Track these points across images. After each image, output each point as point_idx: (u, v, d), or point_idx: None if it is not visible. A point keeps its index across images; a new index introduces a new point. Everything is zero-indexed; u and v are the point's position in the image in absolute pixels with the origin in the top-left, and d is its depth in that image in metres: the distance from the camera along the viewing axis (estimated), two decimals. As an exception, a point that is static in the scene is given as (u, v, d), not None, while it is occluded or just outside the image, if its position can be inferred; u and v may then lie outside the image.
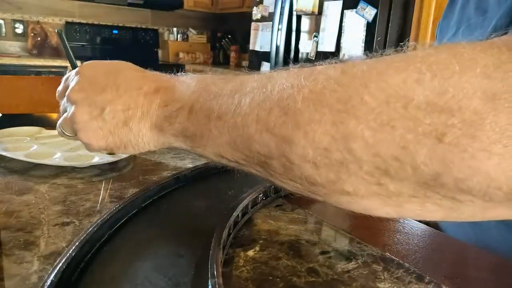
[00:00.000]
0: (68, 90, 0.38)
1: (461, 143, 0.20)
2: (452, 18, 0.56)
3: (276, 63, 2.28)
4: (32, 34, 3.13)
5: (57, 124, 0.41)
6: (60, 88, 0.42)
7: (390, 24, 1.79)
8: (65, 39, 0.55)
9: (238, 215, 0.37)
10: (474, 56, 0.21)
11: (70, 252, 0.28)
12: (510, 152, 0.20)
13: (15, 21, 3.11)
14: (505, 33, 0.23)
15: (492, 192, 0.21)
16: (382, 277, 0.31)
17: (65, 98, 0.39)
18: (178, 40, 3.79)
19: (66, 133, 0.40)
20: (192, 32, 3.87)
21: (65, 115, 0.39)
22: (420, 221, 0.41)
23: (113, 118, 0.36)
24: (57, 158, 0.54)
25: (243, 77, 0.31)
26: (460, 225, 0.49)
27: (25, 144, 0.60)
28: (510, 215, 0.23)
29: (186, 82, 0.35)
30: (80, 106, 0.37)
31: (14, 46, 3.12)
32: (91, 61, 0.41)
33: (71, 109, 0.38)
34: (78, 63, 0.53)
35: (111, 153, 0.42)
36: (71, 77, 0.40)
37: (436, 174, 0.21)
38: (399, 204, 0.25)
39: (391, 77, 0.22)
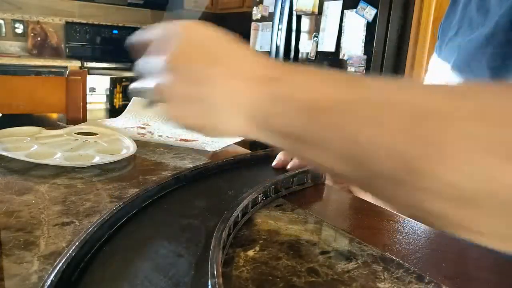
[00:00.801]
0: (167, 48, 0.32)
1: None
2: (454, 17, 0.56)
3: (276, 63, 2.28)
4: (32, 34, 3.13)
5: (135, 85, 0.36)
6: (149, 34, 0.36)
7: (390, 24, 1.79)
8: None
9: (238, 215, 0.37)
10: None
11: (70, 252, 0.28)
12: None
13: (15, 21, 3.11)
14: None
15: None
16: (382, 277, 0.31)
17: (159, 58, 0.33)
18: (178, 40, 3.78)
19: (145, 96, 0.36)
20: (192, 32, 3.87)
21: (153, 75, 0.34)
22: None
23: (213, 99, 0.32)
24: (57, 158, 0.54)
25: (364, 82, 0.29)
26: None
27: (25, 144, 0.60)
28: None
29: (301, 78, 0.31)
30: (180, 76, 0.32)
31: (14, 46, 3.12)
32: (195, 23, 0.34)
33: (166, 74, 0.32)
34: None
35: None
36: (170, 32, 0.34)
37: None
38: None
39: None
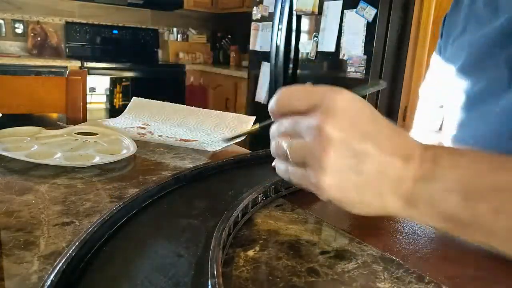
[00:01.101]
0: (321, 119, 0.31)
1: None
2: (459, 14, 0.56)
3: (276, 63, 2.28)
4: (32, 34, 3.13)
5: (278, 131, 0.35)
6: (294, 95, 0.34)
7: (390, 24, 1.79)
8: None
9: (238, 215, 0.37)
10: None
11: (70, 252, 0.28)
12: None
13: (15, 21, 3.11)
14: None
15: None
16: (382, 277, 0.31)
17: (311, 121, 0.32)
18: (178, 40, 3.79)
19: (291, 165, 0.34)
20: (192, 32, 3.87)
21: (304, 142, 0.32)
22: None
23: (365, 174, 0.31)
24: (57, 158, 0.54)
25: (502, 166, 0.30)
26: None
27: (25, 144, 0.60)
28: None
29: (447, 158, 0.32)
30: (337, 147, 0.31)
31: (14, 46, 3.12)
32: (348, 94, 0.32)
33: (322, 143, 0.31)
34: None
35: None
36: (323, 97, 0.32)
37: None
38: None
39: None
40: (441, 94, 0.63)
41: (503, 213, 0.29)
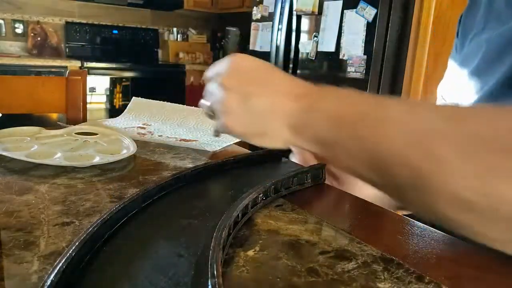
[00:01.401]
0: (221, 76, 0.42)
1: None
2: (477, 13, 0.55)
3: (276, 63, 2.28)
4: (32, 34, 3.13)
5: (201, 103, 0.47)
6: (209, 72, 0.46)
7: (390, 24, 1.79)
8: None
9: (238, 215, 0.37)
10: None
11: (70, 252, 0.28)
12: None
13: (15, 21, 3.11)
14: None
15: None
16: (382, 277, 0.31)
17: (215, 83, 0.43)
18: (178, 40, 3.79)
19: (209, 113, 0.47)
20: (192, 32, 3.87)
21: (213, 97, 0.44)
22: (419, 220, 0.41)
23: (257, 110, 0.40)
24: (58, 158, 0.54)
25: (383, 101, 0.35)
26: None
27: (25, 144, 0.60)
28: None
29: (332, 94, 0.38)
30: (231, 93, 0.41)
31: (14, 46, 3.12)
32: (241, 54, 0.45)
33: (221, 93, 0.42)
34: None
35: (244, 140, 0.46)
36: (223, 64, 0.44)
37: None
38: None
39: None
40: (457, 93, 0.63)
41: (361, 138, 0.33)
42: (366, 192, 0.50)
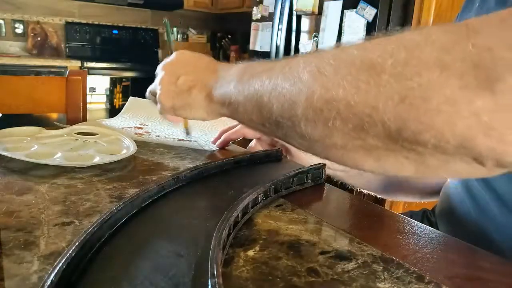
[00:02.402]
0: (162, 65, 0.53)
1: (416, 103, 0.25)
2: (472, 11, 0.56)
3: (276, 63, 2.28)
4: (32, 34, 3.13)
5: (148, 89, 0.57)
6: (160, 64, 0.55)
7: (390, 24, 1.79)
8: (169, 27, 0.74)
9: (238, 215, 0.37)
10: (439, 34, 0.26)
11: (70, 252, 0.28)
12: (455, 110, 0.24)
13: (15, 21, 3.11)
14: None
15: (443, 145, 0.25)
16: (382, 277, 0.31)
17: (157, 70, 0.54)
18: (178, 40, 3.78)
19: (151, 95, 0.56)
20: (192, 32, 3.87)
21: (154, 81, 0.54)
22: (421, 222, 0.41)
23: (182, 85, 0.48)
24: (57, 158, 0.54)
25: (272, 61, 0.39)
26: (463, 205, 0.49)
27: (25, 144, 0.60)
28: (469, 170, 0.27)
29: (239, 65, 0.44)
30: (165, 74, 0.51)
31: (14, 46, 3.12)
32: (185, 50, 0.55)
33: (158, 77, 0.52)
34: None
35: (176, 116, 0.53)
36: (167, 58, 0.54)
37: (399, 128, 0.26)
38: (378, 157, 0.29)
39: (372, 52, 0.28)
40: None
41: (253, 88, 0.37)
42: (310, 160, 0.58)
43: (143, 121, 0.83)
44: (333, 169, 0.65)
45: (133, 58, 3.44)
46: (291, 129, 0.33)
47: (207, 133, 0.76)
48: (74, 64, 2.89)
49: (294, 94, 0.32)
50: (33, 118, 2.18)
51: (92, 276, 0.29)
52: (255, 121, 0.38)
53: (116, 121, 0.83)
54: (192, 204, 0.43)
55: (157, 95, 0.51)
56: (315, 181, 0.51)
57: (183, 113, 0.50)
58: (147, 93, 0.57)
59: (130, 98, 0.90)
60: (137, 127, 0.79)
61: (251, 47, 2.64)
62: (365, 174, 0.66)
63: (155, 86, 0.52)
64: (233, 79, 0.42)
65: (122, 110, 0.88)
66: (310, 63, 0.32)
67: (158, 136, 0.73)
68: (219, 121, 0.80)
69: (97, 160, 0.55)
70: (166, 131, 0.77)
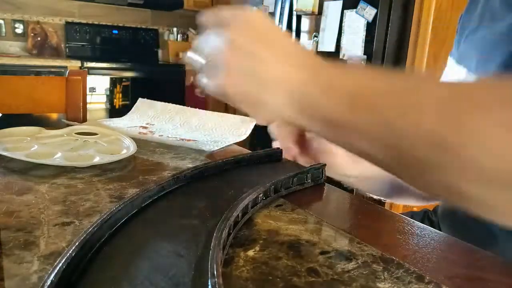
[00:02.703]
0: (228, 26, 0.37)
1: None
2: (476, 10, 0.55)
3: (276, 63, 2.28)
4: (32, 34, 3.13)
5: (189, 53, 0.41)
6: (210, 15, 0.40)
7: (390, 24, 1.79)
8: None
9: (238, 215, 0.37)
10: None
11: (70, 252, 0.28)
12: None
13: (15, 21, 3.11)
14: None
15: None
16: (382, 277, 0.31)
17: (217, 31, 0.37)
18: (178, 40, 3.79)
19: (198, 59, 0.39)
20: (192, 32, 3.87)
21: (211, 47, 0.37)
22: (422, 222, 0.41)
23: (259, 73, 0.36)
24: (57, 158, 0.54)
25: (398, 74, 0.33)
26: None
27: (25, 144, 0.60)
28: None
29: (345, 70, 0.36)
30: (236, 47, 0.36)
31: (14, 46, 3.12)
32: (255, 11, 0.39)
33: (223, 46, 0.36)
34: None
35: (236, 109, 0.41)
36: (231, 13, 0.38)
37: None
38: None
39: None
40: None
41: (381, 114, 0.30)
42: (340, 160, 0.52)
43: (150, 121, 0.83)
44: (347, 175, 0.60)
45: (133, 58, 3.44)
46: (435, 177, 0.28)
47: (209, 134, 0.76)
48: (74, 64, 2.89)
49: (459, 149, 0.25)
50: (33, 118, 2.18)
51: (92, 276, 0.29)
52: (376, 155, 0.32)
53: (123, 121, 0.83)
54: (192, 204, 0.43)
55: (216, 74, 0.37)
56: (315, 181, 0.51)
57: (248, 109, 0.38)
58: (187, 57, 0.41)
59: (139, 99, 0.91)
60: (142, 126, 0.80)
61: (251, 47, 2.64)
62: (372, 179, 0.62)
63: (213, 57, 0.37)
64: (342, 93, 0.33)
65: (131, 110, 0.88)
66: (477, 102, 0.26)
67: (161, 136, 0.73)
68: (224, 122, 0.80)
69: (97, 160, 0.55)
70: (170, 131, 0.77)
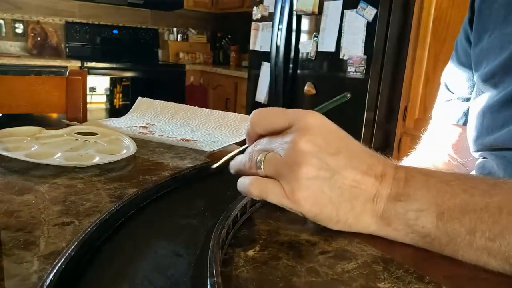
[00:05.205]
0: (296, 135, 0.33)
1: None
2: (495, 1, 0.53)
3: (276, 63, 2.28)
4: (32, 34, 3.13)
5: (254, 162, 0.35)
6: (274, 120, 0.35)
7: (390, 24, 1.79)
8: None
9: (236, 214, 0.37)
10: None
11: (69, 252, 0.28)
12: None
13: (15, 21, 3.11)
14: None
15: None
16: (382, 277, 0.31)
17: (284, 140, 0.34)
18: (178, 40, 3.79)
19: (261, 174, 0.35)
20: (192, 32, 3.87)
21: (278, 156, 0.34)
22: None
23: (339, 188, 0.33)
24: (57, 158, 0.54)
25: (485, 189, 0.32)
26: None
27: (25, 144, 0.60)
28: None
29: (419, 178, 0.34)
30: (311, 161, 0.32)
31: (14, 46, 3.12)
32: (319, 115, 0.34)
33: (294, 157, 0.33)
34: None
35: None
36: (299, 115, 0.34)
37: None
38: None
39: None
40: (465, 87, 0.61)
41: (476, 231, 0.31)
42: None
43: (150, 121, 0.83)
44: None
45: (133, 58, 3.44)
46: None
47: (210, 134, 0.76)
48: (74, 64, 2.90)
49: None
50: (33, 118, 2.18)
51: (92, 276, 0.29)
52: (473, 262, 0.33)
53: (123, 121, 0.83)
54: (191, 204, 0.43)
55: (291, 189, 0.33)
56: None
57: (332, 226, 0.35)
58: (243, 164, 0.37)
59: (139, 98, 0.91)
60: (142, 126, 0.79)
61: (251, 47, 2.64)
62: None
63: (284, 169, 0.33)
64: (425, 208, 0.32)
65: (131, 110, 0.88)
66: None
67: (161, 135, 0.73)
68: (224, 121, 0.80)
69: (97, 160, 0.55)
70: (171, 130, 0.77)
